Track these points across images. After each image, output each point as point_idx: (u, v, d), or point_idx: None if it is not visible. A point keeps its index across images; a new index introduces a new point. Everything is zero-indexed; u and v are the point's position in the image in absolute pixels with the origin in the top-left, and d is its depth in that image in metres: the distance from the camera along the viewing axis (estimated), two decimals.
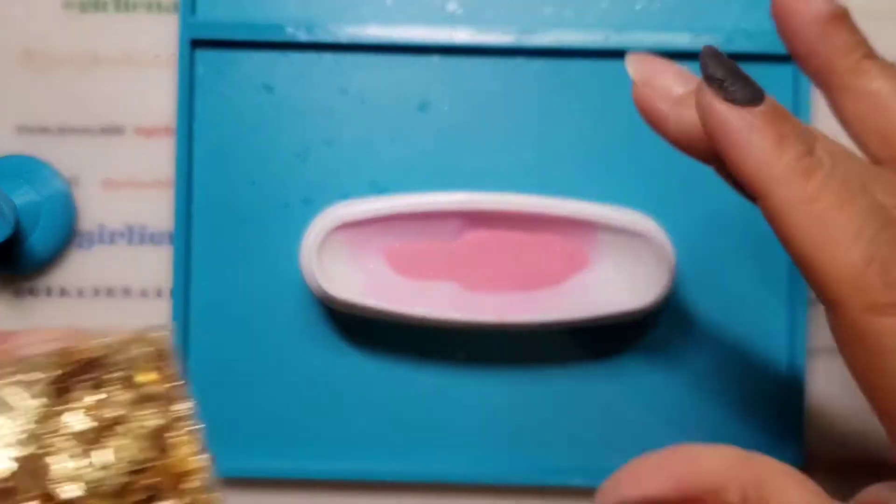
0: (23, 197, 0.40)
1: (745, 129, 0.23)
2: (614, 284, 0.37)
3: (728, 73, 0.24)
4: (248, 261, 0.40)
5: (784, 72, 0.40)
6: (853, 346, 0.22)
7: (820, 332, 0.41)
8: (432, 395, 0.40)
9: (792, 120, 0.23)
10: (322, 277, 0.37)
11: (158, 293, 0.41)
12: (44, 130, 0.41)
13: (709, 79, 0.24)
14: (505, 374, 0.40)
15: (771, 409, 0.40)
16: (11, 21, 0.41)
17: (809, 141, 0.23)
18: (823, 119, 0.41)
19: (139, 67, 0.41)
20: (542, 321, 0.37)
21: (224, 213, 0.40)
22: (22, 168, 0.40)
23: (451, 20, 0.41)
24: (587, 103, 0.40)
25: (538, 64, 0.41)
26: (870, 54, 0.26)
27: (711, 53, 0.24)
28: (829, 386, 0.41)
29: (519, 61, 0.41)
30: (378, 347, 0.40)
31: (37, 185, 0.40)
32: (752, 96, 0.23)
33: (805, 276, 0.23)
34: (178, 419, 0.21)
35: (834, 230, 0.21)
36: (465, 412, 0.40)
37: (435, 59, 0.41)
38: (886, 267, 0.21)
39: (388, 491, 0.41)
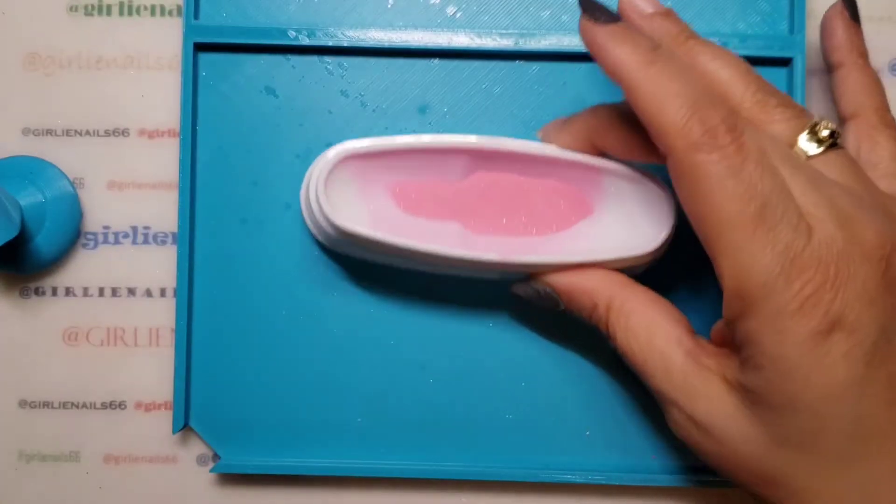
0: (28, 198, 0.40)
1: (608, 36, 0.31)
2: (618, 232, 0.37)
3: (594, 6, 0.32)
4: (251, 261, 0.41)
5: (779, 74, 0.41)
6: (681, 181, 0.30)
7: None
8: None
9: (642, 34, 0.32)
10: (328, 209, 0.37)
11: (162, 293, 0.42)
12: (49, 132, 0.42)
13: (583, 9, 0.32)
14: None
15: None
16: (17, 24, 0.42)
17: (655, 43, 0.31)
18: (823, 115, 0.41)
19: (143, 70, 0.42)
20: (544, 262, 0.37)
21: (227, 213, 0.41)
22: (27, 169, 0.41)
23: (450, 24, 0.41)
24: (585, 106, 0.41)
25: (537, 67, 0.41)
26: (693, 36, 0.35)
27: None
28: None
29: (517, 65, 0.41)
30: (389, 335, 0.41)
31: (42, 186, 0.41)
32: (611, 19, 0.32)
33: (649, 133, 0.31)
34: None
35: (667, 94, 0.29)
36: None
37: (435, 63, 0.41)
38: (703, 119, 0.29)
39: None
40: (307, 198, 0.39)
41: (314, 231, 0.40)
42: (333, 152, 0.37)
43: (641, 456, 0.41)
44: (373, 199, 0.38)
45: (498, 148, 0.37)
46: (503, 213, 0.38)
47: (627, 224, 0.37)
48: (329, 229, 0.38)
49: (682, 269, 0.40)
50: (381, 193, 0.38)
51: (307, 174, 0.39)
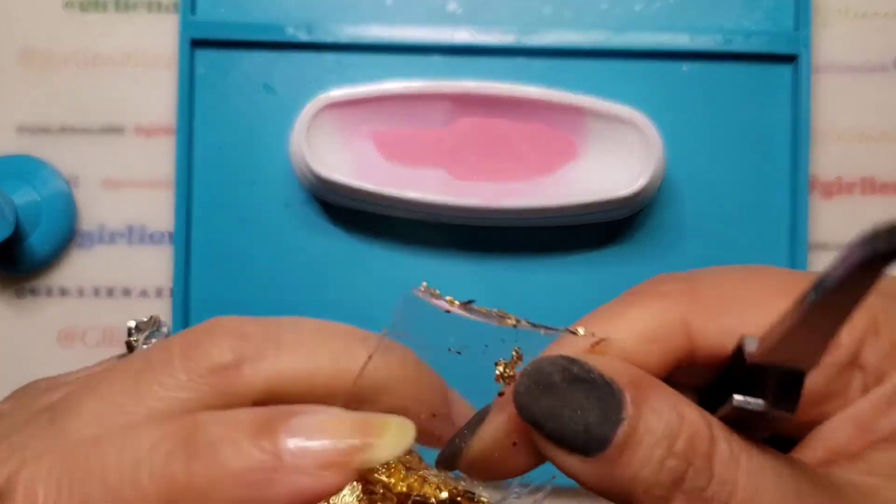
0: (23, 197, 0.40)
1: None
2: (603, 173, 0.37)
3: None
4: (248, 260, 0.40)
5: (783, 71, 0.40)
6: None
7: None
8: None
9: None
10: (312, 159, 0.36)
11: (159, 293, 0.41)
12: (44, 130, 0.41)
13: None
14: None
15: None
16: (12, 21, 0.41)
17: None
18: (824, 116, 0.41)
19: (139, 67, 0.41)
20: (529, 206, 0.37)
21: (224, 212, 0.40)
22: (22, 168, 0.40)
23: (451, 20, 0.41)
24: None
25: (538, 64, 0.41)
26: None
27: None
28: None
29: (519, 61, 0.41)
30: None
31: (37, 185, 0.40)
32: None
33: None
34: None
35: None
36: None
37: (435, 59, 0.41)
38: None
39: None
40: (293, 150, 0.39)
41: (304, 182, 0.39)
42: (314, 102, 0.37)
43: None
44: (356, 148, 0.38)
45: (481, 92, 0.37)
46: (488, 158, 0.38)
47: (612, 166, 0.37)
48: (313, 179, 0.37)
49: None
50: (365, 143, 0.38)
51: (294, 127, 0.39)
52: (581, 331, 0.22)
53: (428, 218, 0.39)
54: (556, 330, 0.22)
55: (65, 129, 0.41)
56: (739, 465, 0.20)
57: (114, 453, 0.20)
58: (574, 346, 0.22)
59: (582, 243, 0.40)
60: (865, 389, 0.23)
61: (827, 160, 0.41)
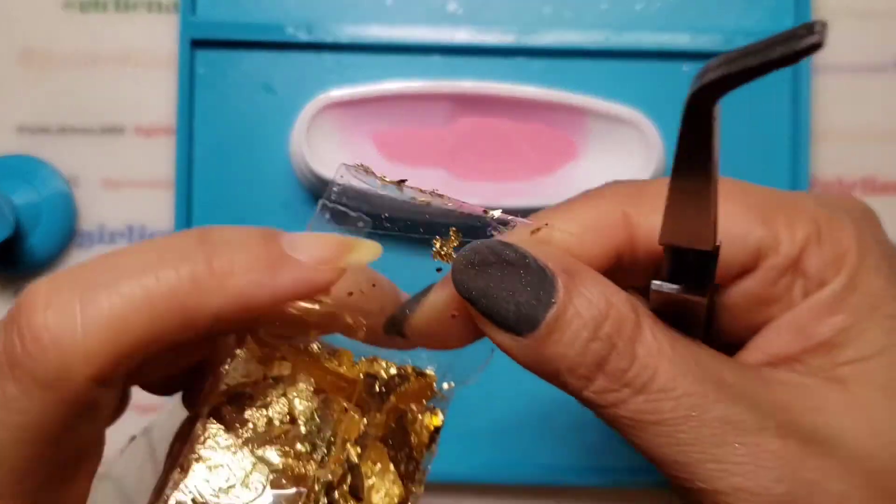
0: (23, 197, 0.40)
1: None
2: (604, 173, 0.37)
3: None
4: None
5: (783, 71, 0.40)
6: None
7: None
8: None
9: None
10: (312, 159, 0.36)
11: None
12: (44, 130, 0.41)
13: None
14: None
15: None
16: (12, 21, 0.41)
17: None
18: (824, 114, 0.41)
19: (139, 67, 0.41)
20: (529, 206, 0.36)
21: (224, 212, 0.40)
22: (22, 168, 0.40)
23: (451, 20, 0.41)
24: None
25: (538, 64, 0.41)
26: None
27: None
28: None
29: (519, 61, 0.41)
30: None
31: (37, 184, 0.40)
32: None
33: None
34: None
35: None
36: None
37: (436, 59, 0.41)
38: None
39: None
40: (293, 150, 0.38)
41: (304, 182, 0.39)
42: (314, 102, 0.37)
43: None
44: (356, 148, 0.38)
45: (481, 92, 0.37)
46: (488, 158, 0.38)
47: (612, 166, 0.37)
48: (313, 179, 0.37)
49: None
50: (365, 143, 0.38)
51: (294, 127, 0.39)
52: (524, 220, 0.23)
53: (427, 218, 0.39)
54: (490, 211, 0.23)
55: (65, 129, 0.41)
56: (662, 350, 0.21)
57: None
58: (517, 235, 0.23)
59: None
60: (806, 295, 0.23)
61: (827, 160, 0.41)
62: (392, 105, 0.37)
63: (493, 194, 0.37)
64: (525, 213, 0.37)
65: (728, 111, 0.40)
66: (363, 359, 0.23)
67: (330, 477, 0.21)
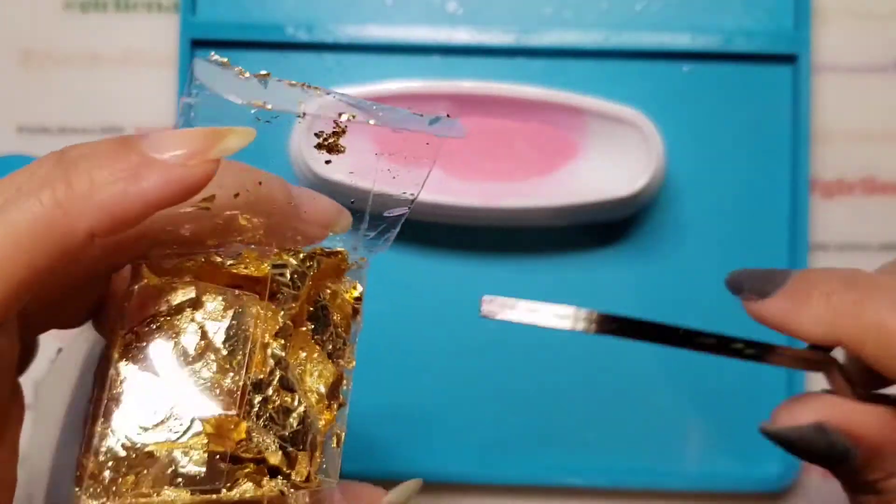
0: None
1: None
2: (603, 173, 0.38)
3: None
4: None
5: (783, 71, 0.40)
6: None
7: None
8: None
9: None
10: (311, 158, 0.36)
11: None
12: (44, 130, 0.41)
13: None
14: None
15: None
16: (12, 21, 0.41)
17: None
18: (824, 116, 0.41)
19: (139, 67, 0.41)
20: (529, 206, 0.37)
21: None
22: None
23: (451, 20, 0.41)
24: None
25: (538, 64, 0.41)
26: None
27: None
28: None
29: (519, 61, 0.41)
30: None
31: None
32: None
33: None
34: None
35: None
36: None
37: (435, 59, 0.41)
38: None
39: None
40: (293, 150, 0.38)
41: (304, 183, 0.40)
42: (315, 104, 0.37)
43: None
44: (356, 148, 0.38)
45: (480, 92, 0.37)
46: (488, 158, 0.38)
47: (611, 166, 0.37)
48: (313, 179, 0.37)
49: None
50: (365, 142, 0.38)
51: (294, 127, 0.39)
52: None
53: (428, 218, 0.39)
54: (375, 105, 0.24)
55: (65, 129, 0.41)
56: None
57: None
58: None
59: (582, 243, 0.40)
60: None
61: (827, 160, 0.41)
62: (392, 105, 0.38)
63: (493, 194, 0.37)
64: (525, 213, 0.38)
65: (728, 111, 0.40)
66: (268, 255, 0.23)
67: (261, 376, 0.21)
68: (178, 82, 0.40)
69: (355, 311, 0.24)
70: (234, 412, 0.21)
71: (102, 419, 0.20)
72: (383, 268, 0.41)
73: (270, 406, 0.21)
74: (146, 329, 0.21)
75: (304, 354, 0.22)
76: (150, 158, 0.20)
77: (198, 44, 0.40)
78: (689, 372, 0.40)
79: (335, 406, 0.22)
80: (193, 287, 0.22)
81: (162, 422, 0.20)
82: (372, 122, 0.22)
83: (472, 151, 0.38)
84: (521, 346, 0.40)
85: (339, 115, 0.23)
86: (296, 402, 0.21)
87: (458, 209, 0.37)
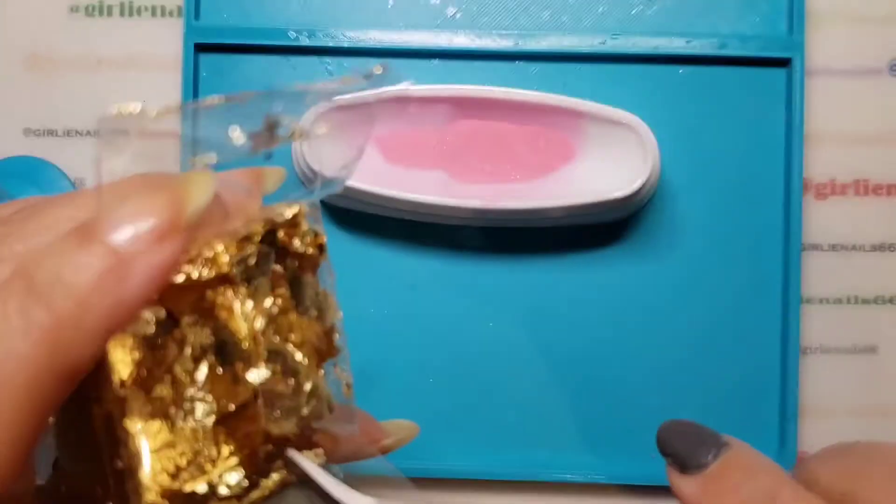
0: None
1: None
2: (600, 175, 0.38)
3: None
4: None
5: (777, 75, 0.41)
6: None
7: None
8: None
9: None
10: (314, 162, 0.37)
11: None
12: (50, 133, 0.42)
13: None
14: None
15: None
16: (18, 25, 0.42)
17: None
18: (817, 119, 0.41)
19: (144, 71, 0.42)
20: (527, 208, 0.37)
21: None
22: (28, 169, 0.41)
23: (450, 25, 0.41)
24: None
25: (536, 67, 0.41)
26: None
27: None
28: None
29: (518, 65, 0.41)
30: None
31: (43, 186, 0.41)
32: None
33: None
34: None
35: None
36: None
37: (435, 63, 0.41)
38: None
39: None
40: (296, 153, 0.39)
41: (304, 183, 0.40)
42: (316, 106, 0.38)
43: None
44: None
45: (480, 95, 0.38)
46: (487, 160, 0.39)
47: (608, 167, 0.38)
48: (313, 179, 0.38)
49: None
50: (367, 145, 0.38)
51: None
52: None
53: (427, 219, 0.39)
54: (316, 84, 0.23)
55: (70, 132, 0.42)
56: None
57: None
58: None
59: (579, 244, 0.41)
60: None
61: (820, 162, 0.42)
62: (393, 108, 0.38)
63: (492, 195, 0.38)
64: (523, 213, 0.38)
65: (723, 114, 0.41)
66: (228, 233, 0.21)
67: (263, 374, 0.21)
68: (181, 86, 0.41)
69: (321, 258, 0.23)
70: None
71: (129, 473, 0.20)
72: (383, 268, 0.41)
73: (279, 398, 0.21)
74: (138, 386, 0.20)
75: (295, 334, 0.22)
76: (122, 256, 0.18)
77: (201, 48, 0.41)
78: (684, 372, 0.41)
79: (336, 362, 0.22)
80: (179, 338, 0.20)
81: (187, 463, 0.20)
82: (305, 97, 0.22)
83: (471, 154, 0.39)
84: (521, 345, 0.41)
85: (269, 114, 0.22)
86: (303, 380, 0.21)
87: (458, 210, 0.38)
